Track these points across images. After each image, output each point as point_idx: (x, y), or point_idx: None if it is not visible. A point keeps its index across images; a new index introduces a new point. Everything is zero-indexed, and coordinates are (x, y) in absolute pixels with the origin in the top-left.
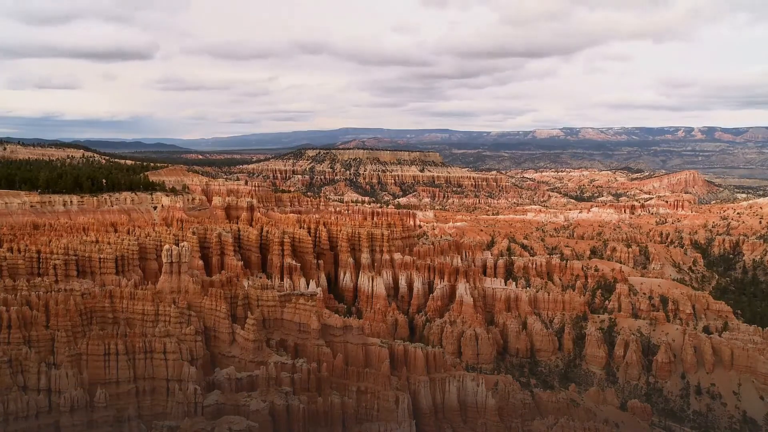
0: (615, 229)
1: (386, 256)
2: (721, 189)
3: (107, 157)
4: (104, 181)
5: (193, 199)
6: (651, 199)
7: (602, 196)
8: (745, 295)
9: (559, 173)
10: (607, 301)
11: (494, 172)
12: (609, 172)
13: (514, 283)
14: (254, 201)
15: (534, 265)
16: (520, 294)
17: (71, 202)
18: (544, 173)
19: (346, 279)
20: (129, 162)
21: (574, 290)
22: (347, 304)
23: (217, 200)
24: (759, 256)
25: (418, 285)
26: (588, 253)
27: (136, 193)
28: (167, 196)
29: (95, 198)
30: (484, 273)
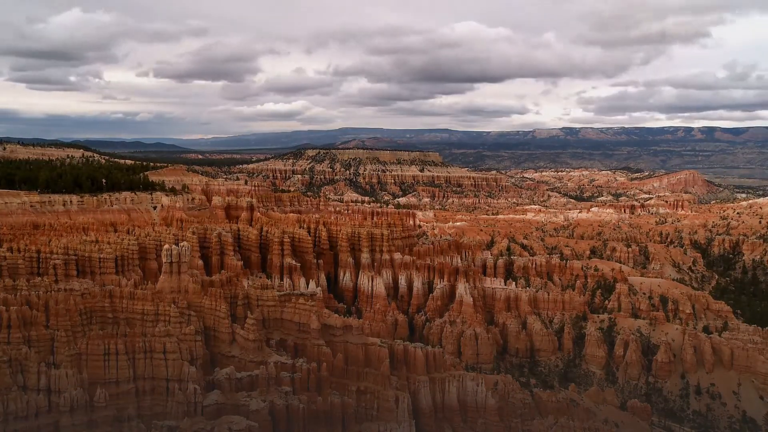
0: (615, 229)
1: (386, 256)
2: (721, 189)
3: (107, 157)
4: (104, 180)
5: (193, 198)
6: (651, 198)
7: (602, 195)
8: (745, 295)
9: (559, 173)
10: (606, 301)
11: (494, 172)
12: (609, 172)
13: (513, 282)
14: (254, 201)
15: (534, 265)
16: (520, 294)
17: (71, 201)
18: (543, 173)
19: (346, 279)
20: (129, 162)
21: (573, 290)
22: (347, 304)
23: (216, 200)
24: (759, 256)
25: (417, 285)
26: (588, 252)
27: (135, 193)
28: (167, 195)
29: (95, 198)
30: (484, 273)
